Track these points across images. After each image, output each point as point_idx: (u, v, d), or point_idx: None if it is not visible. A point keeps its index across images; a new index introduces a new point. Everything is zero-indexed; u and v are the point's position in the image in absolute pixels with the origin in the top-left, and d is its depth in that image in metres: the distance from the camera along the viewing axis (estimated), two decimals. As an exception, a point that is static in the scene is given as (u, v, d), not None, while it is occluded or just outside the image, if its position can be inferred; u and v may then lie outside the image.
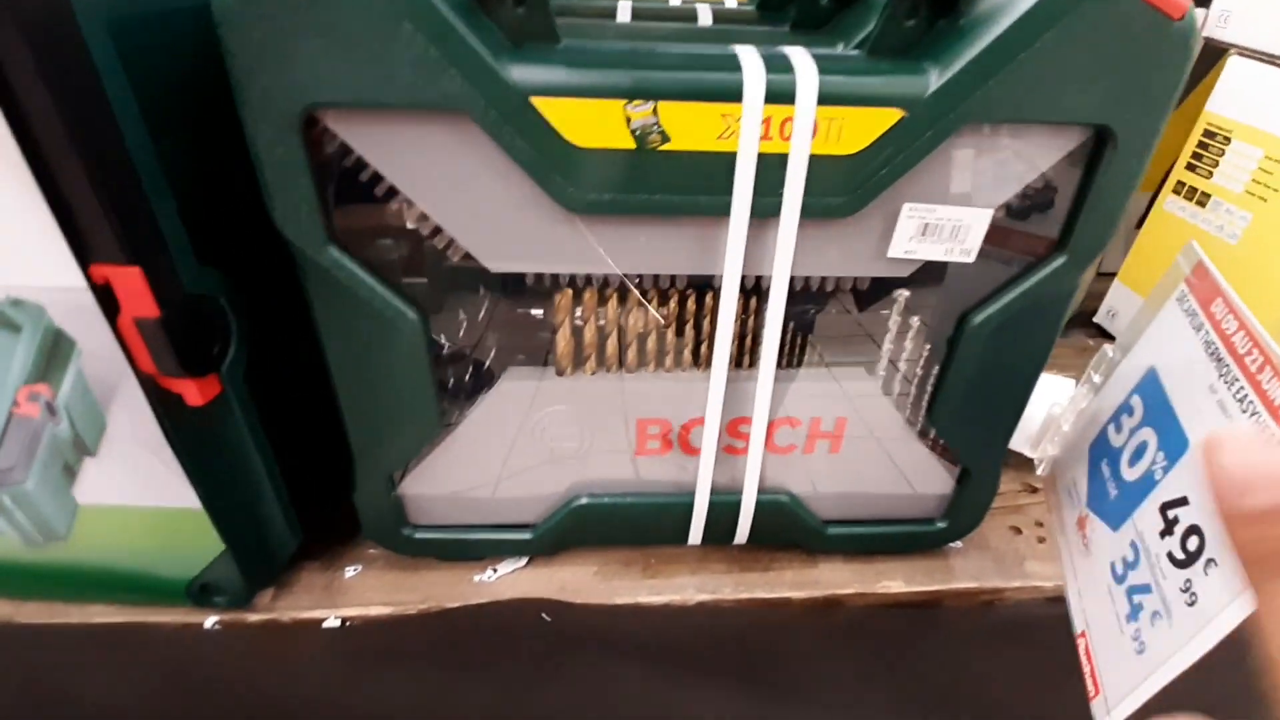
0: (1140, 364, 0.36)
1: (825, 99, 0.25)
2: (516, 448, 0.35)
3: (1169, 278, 0.34)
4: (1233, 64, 0.50)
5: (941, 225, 0.29)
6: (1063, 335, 0.61)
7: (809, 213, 0.27)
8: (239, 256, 0.29)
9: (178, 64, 0.26)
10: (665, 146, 0.26)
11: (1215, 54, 0.51)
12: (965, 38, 0.25)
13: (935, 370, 0.33)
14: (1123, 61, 0.25)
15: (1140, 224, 0.58)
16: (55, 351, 0.27)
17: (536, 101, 0.25)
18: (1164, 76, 0.25)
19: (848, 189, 0.27)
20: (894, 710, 0.42)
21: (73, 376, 0.27)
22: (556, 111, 0.25)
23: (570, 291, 0.31)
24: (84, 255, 0.24)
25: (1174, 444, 0.31)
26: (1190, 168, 0.53)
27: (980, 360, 0.32)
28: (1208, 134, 0.51)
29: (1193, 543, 0.27)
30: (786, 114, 0.25)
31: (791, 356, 0.33)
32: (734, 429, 0.35)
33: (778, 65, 0.25)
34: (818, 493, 0.37)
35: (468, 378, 0.33)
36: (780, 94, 0.25)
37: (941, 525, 0.38)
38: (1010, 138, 0.27)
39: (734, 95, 0.25)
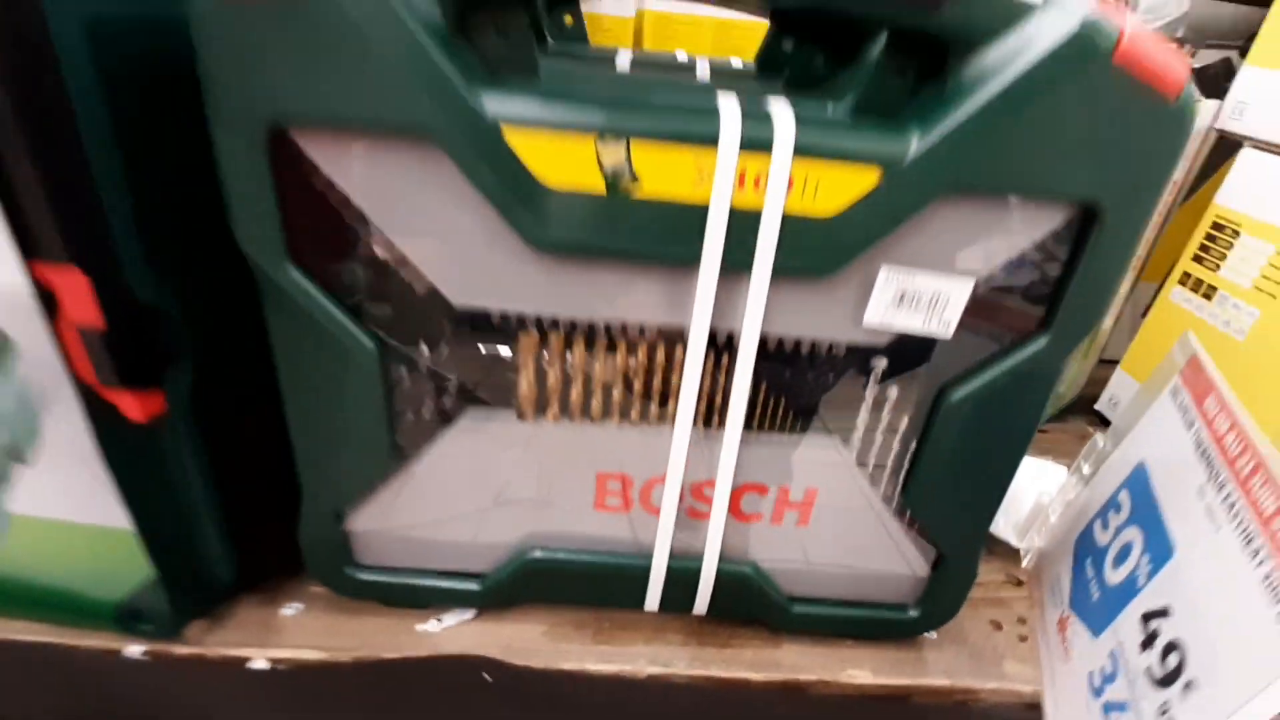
0: (1131, 457, 0.34)
1: (801, 150, 0.24)
2: (470, 492, 0.33)
3: (1163, 369, 0.33)
4: (1245, 156, 0.49)
5: (920, 294, 0.27)
6: (1062, 422, 0.60)
7: (782, 271, 0.26)
8: (199, 270, 0.29)
9: (156, 70, 0.26)
10: (637, 193, 0.25)
11: (1231, 147, 0.50)
12: (950, 103, 0.24)
13: (913, 446, 0.32)
14: (1113, 139, 0.24)
15: (1146, 313, 0.57)
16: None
17: (508, 133, 0.24)
18: (1157, 157, 0.24)
19: (823, 250, 0.26)
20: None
21: (10, 379, 0.26)
22: (528, 145, 0.24)
23: (535, 335, 0.30)
24: (26, 250, 0.23)
25: (1159, 548, 0.29)
26: (1197, 259, 0.52)
27: (958, 438, 0.30)
28: (1216, 226, 0.50)
29: (1173, 659, 0.25)
30: (762, 167, 0.24)
31: (761, 420, 0.32)
32: (698, 491, 0.33)
33: (756, 114, 0.25)
34: (784, 567, 0.35)
35: (426, 415, 0.32)
36: (755, 142, 0.24)
37: (914, 614, 0.36)
38: (994, 209, 0.26)
39: (708, 139, 0.24)
